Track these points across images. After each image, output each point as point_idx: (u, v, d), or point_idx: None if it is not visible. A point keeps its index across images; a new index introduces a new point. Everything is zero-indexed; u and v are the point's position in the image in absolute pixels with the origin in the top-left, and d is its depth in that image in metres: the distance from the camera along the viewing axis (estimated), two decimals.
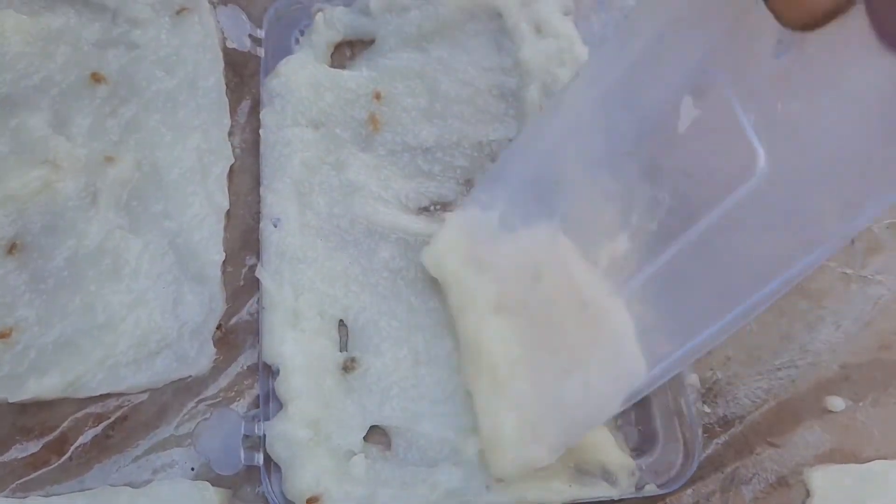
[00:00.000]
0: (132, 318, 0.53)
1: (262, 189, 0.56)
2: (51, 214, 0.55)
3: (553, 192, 0.47)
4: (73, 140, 0.57)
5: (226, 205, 0.57)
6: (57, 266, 0.54)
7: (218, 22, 0.63)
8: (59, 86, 0.59)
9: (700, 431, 0.51)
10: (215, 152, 0.58)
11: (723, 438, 0.52)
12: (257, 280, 0.53)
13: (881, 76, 0.29)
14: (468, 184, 0.58)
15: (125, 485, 0.49)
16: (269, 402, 0.51)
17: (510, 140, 0.59)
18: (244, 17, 0.64)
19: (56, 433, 0.51)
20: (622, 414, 0.53)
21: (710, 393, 0.53)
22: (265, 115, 0.59)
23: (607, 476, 0.50)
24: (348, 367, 0.52)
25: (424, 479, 0.49)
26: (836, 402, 0.53)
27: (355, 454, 0.49)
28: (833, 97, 0.32)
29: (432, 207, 0.58)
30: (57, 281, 0.54)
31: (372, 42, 0.63)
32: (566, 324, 0.45)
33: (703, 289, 0.39)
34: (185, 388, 0.53)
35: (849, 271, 0.57)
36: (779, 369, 0.54)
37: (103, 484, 0.50)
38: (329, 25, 0.62)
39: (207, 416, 0.51)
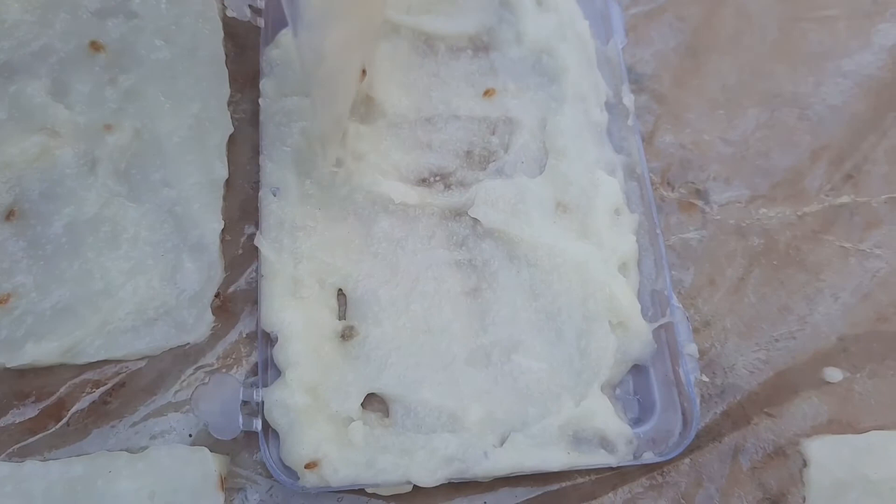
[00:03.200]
0: (130, 286, 0.53)
1: (261, 158, 0.56)
2: (49, 181, 0.55)
3: None
4: (72, 108, 0.57)
5: (225, 174, 0.57)
6: (55, 233, 0.54)
7: None
8: (58, 54, 0.59)
9: (698, 401, 0.51)
10: (214, 121, 0.58)
11: (721, 408, 0.52)
12: (256, 249, 0.53)
13: None
14: (468, 155, 0.58)
15: (123, 450, 0.49)
16: (267, 370, 0.51)
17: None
18: None
19: (54, 398, 0.51)
20: (621, 383, 0.53)
21: (708, 364, 0.53)
22: (265, 85, 0.59)
23: (605, 444, 0.50)
24: (346, 335, 0.52)
25: (422, 445, 0.49)
26: (834, 374, 0.53)
27: (353, 421, 0.49)
28: None
29: (432, 178, 0.58)
30: (55, 247, 0.53)
31: None
32: None
33: None
34: (183, 356, 0.53)
35: (847, 245, 0.57)
36: (777, 340, 0.54)
37: (101, 449, 0.50)
38: None
39: (206, 381, 0.50)
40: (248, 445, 0.50)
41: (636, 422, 0.52)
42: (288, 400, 0.49)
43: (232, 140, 0.58)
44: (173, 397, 0.52)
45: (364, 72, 0.56)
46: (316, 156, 0.56)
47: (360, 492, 0.49)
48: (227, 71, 0.60)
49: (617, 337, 0.52)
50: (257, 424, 0.49)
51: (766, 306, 0.55)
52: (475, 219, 0.55)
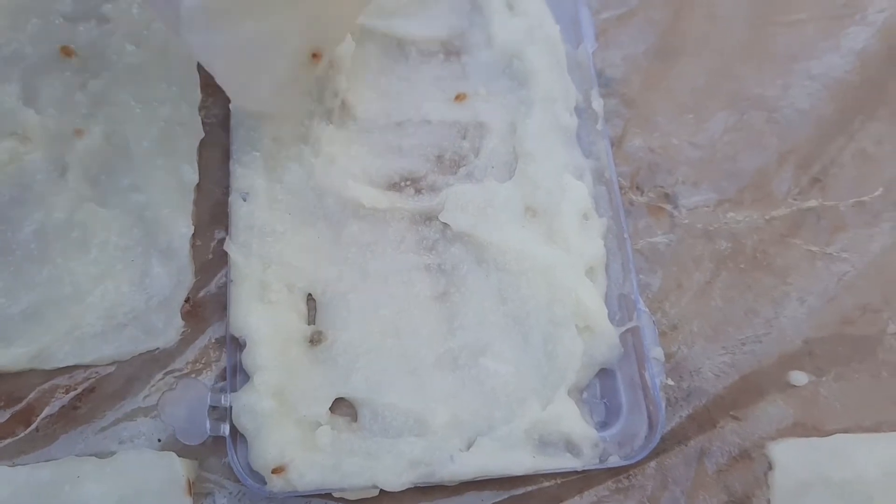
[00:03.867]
0: (99, 291, 0.53)
1: (231, 163, 0.56)
2: (19, 186, 0.55)
3: None
4: (43, 112, 0.57)
5: (195, 178, 0.57)
6: (24, 238, 0.54)
7: None
8: (29, 59, 0.59)
9: (664, 405, 0.51)
10: (185, 126, 0.58)
11: (686, 412, 0.53)
12: (226, 254, 0.53)
13: None
14: (438, 160, 0.59)
15: (91, 455, 0.49)
16: (236, 375, 0.51)
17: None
18: None
19: (23, 404, 0.51)
20: (588, 387, 0.53)
21: (675, 367, 0.54)
22: None
23: (571, 448, 0.50)
24: (315, 339, 0.53)
25: (389, 449, 0.49)
26: (799, 377, 0.53)
27: (321, 425, 0.50)
28: None
29: (402, 183, 0.58)
30: (24, 252, 0.54)
31: None
32: None
33: None
34: (153, 360, 0.53)
35: (814, 248, 0.57)
36: (743, 344, 0.54)
37: (69, 454, 0.50)
38: None
39: (174, 386, 0.51)
40: (217, 450, 0.50)
41: (602, 425, 0.52)
42: (256, 405, 0.49)
43: (203, 144, 0.58)
44: (142, 402, 0.52)
45: (317, 55, 0.55)
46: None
47: (328, 496, 0.50)
48: (198, 76, 0.60)
49: (584, 341, 0.52)
50: (225, 429, 0.49)
51: (733, 310, 0.55)
52: (445, 223, 0.56)
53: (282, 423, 0.49)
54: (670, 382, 0.53)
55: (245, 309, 0.52)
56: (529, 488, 0.50)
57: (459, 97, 0.60)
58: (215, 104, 0.60)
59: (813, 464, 0.51)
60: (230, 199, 0.55)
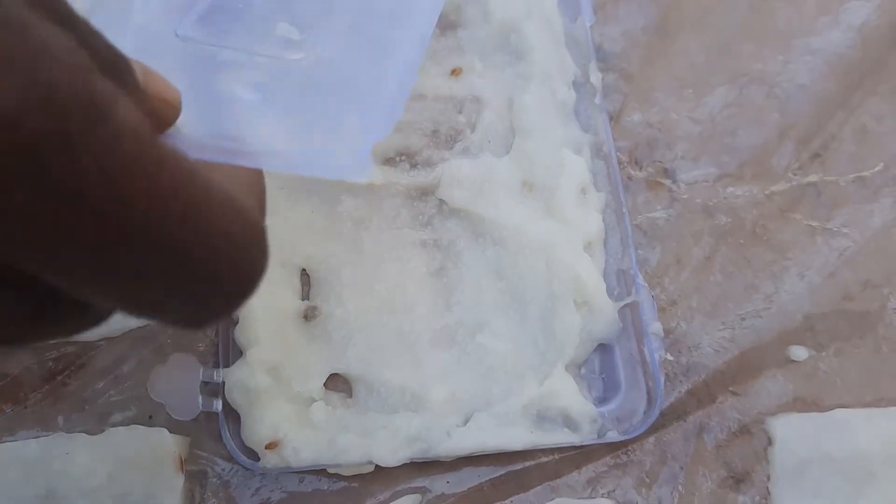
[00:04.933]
0: None
1: None
2: None
3: None
4: None
5: None
6: None
7: None
8: None
9: (663, 380, 0.51)
10: None
11: (686, 387, 0.52)
12: None
13: None
14: (434, 135, 0.58)
15: (81, 432, 0.49)
16: (228, 351, 0.50)
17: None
18: None
19: (10, 380, 0.50)
20: (586, 363, 0.52)
21: (674, 342, 0.53)
22: None
23: (569, 423, 0.49)
24: (309, 315, 0.52)
25: (384, 425, 0.48)
26: (800, 352, 0.53)
27: (315, 401, 0.49)
28: None
29: (397, 157, 0.57)
30: None
31: None
32: None
33: None
34: (143, 337, 0.52)
35: (814, 224, 0.56)
36: (743, 319, 0.53)
37: (59, 431, 0.49)
38: None
39: (165, 362, 0.50)
40: (209, 427, 0.50)
41: (601, 401, 0.51)
42: (249, 380, 0.48)
43: None
44: (133, 379, 0.51)
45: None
46: None
47: (322, 472, 0.49)
48: None
49: (582, 316, 0.51)
50: (217, 405, 0.48)
51: (733, 285, 0.54)
52: (441, 199, 0.55)
53: (275, 398, 0.49)
54: (669, 357, 0.52)
55: None
56: (527, 464, 0.50)
57: (455, 72, 0.59)
58: None
59: (813, 439, 0.50)
60: None
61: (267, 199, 0.52)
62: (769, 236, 0.56)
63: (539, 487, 0.49)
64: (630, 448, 0.50)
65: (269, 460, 0.47)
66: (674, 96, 0.60)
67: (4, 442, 0.48)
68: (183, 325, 0.22)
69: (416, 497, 0.49)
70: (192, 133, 0.28)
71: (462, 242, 0.54)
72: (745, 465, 0.50)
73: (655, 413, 0.49)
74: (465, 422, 0.49)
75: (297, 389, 0.49)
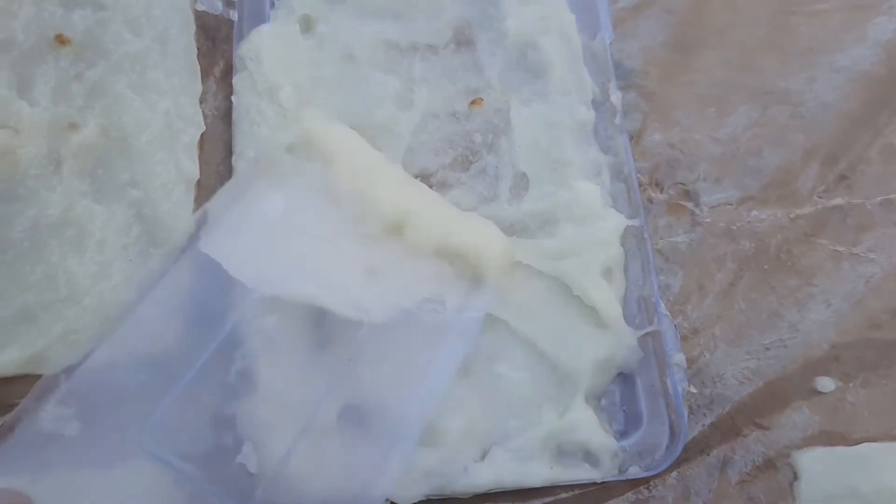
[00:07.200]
0: (96, 291, 0.51)
1: (234, 158, 0.54)
2: (11, 182, 0.53)
3: None
4: (36, 104, 0.55)
5: (196, 174, 0.55)
6: (17, 236, 0.51)
7: None
8: (22, 47, 0.56)
9: (686, 412, 0.49)
10: (185, 119, 0.56)
11: (709, 419, 0.51)
12: None
13: None
14: (449, 155, 0.56)
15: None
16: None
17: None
18: None
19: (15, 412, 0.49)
20: (606, 394, 0.51)
21: (697, 373, 0.52)
22: (238, 82, 0.56)
23: (589, 458, 0.48)
24: (324, 342, 0.50)
25: None
26: (826, 383, 0.51)
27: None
28: None
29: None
30: (17, 252, 0.51)
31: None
32: None
33: None
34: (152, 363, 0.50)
35: (840, 249, 0.55)
36: (767, 349, 0.52)
37: None
38: None
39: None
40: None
41: (622, 434, 0.50)
42: (261, 413, 0.47)
43: (203, 139, 0.56)
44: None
45: None
46: None
47: None
48: (198, 66, 0.57)
49: (601, 345, 0.50)
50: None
51: (757, 313, 0.53)
52: None
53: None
54: (693, 390, 0.51)
55: None
56: (546, 500, 0.48)
57: (476, 102, 0.57)
58: (216, 96, 0.58)
59: (840, 474, 0.49)
60: None
61: None
62: (794, 262, 0.54)
63: None
64: (652, 483, 0.49)
65: None
66: (695, 115, 0.59)
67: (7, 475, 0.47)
68: None
69: None
70: None
71: None
72: (770, 500, 0.49)
73: (679, 449, 0.48)
74: (483, 456, 0.48)
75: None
